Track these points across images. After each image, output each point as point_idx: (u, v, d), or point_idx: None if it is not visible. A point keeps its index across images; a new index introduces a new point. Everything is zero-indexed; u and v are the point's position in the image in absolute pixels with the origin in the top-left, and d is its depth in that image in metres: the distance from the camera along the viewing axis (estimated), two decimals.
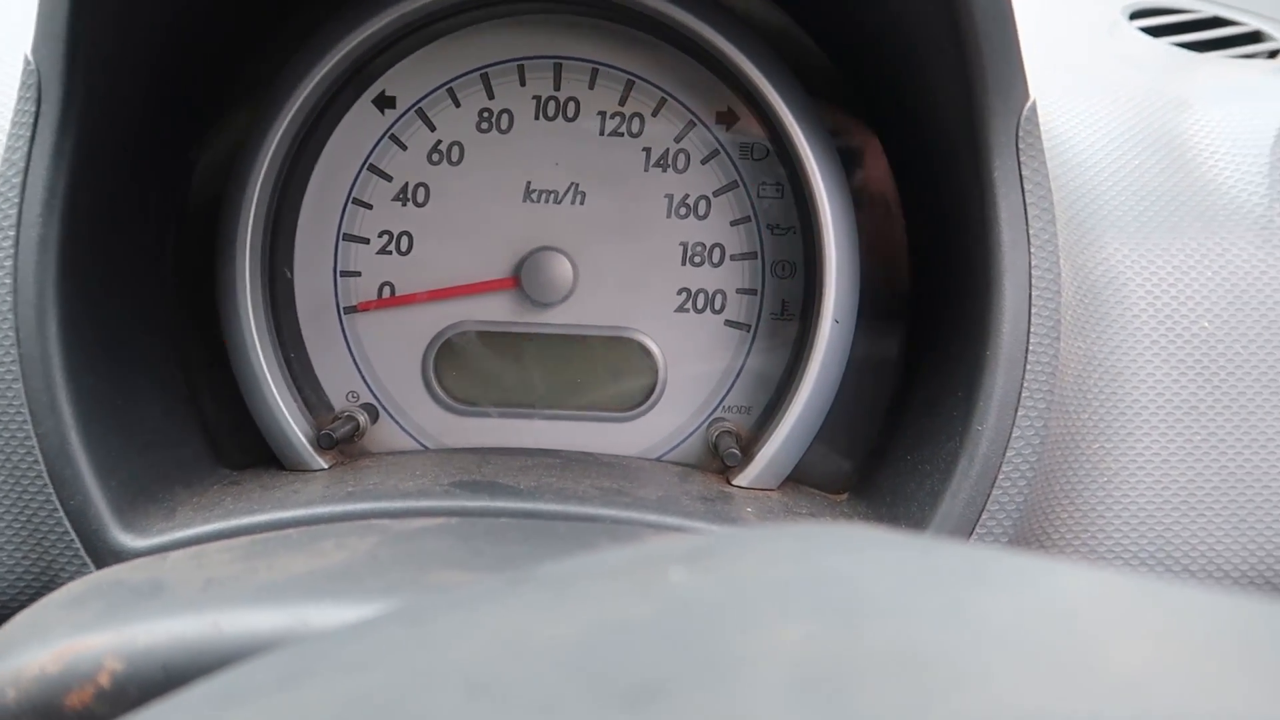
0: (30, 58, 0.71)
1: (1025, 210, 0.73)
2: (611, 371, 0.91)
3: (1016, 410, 0.72)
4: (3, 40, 0.89)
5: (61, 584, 0.72)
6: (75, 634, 0.41)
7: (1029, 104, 0.72)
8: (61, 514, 0.70)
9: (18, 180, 0.71)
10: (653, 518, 0.70)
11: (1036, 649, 0.26)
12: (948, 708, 0.24)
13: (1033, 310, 0.73)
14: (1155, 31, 1.14)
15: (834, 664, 0.25)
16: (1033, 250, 0.73)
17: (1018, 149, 0.72)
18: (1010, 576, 0.30)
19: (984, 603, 0.28)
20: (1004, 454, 0.72)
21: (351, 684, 0.31)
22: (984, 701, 0.24)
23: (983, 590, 0.29)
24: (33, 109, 0.71)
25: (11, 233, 0.71)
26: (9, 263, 0.71)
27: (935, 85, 0.76)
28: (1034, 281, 0.73)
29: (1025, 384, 0.72)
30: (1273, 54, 1.15)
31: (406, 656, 0.31)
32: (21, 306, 0.71)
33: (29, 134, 0.72)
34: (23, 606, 0.75)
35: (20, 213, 0.71)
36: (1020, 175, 0.73)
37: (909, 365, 0.88)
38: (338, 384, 0.90)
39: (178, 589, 0.45)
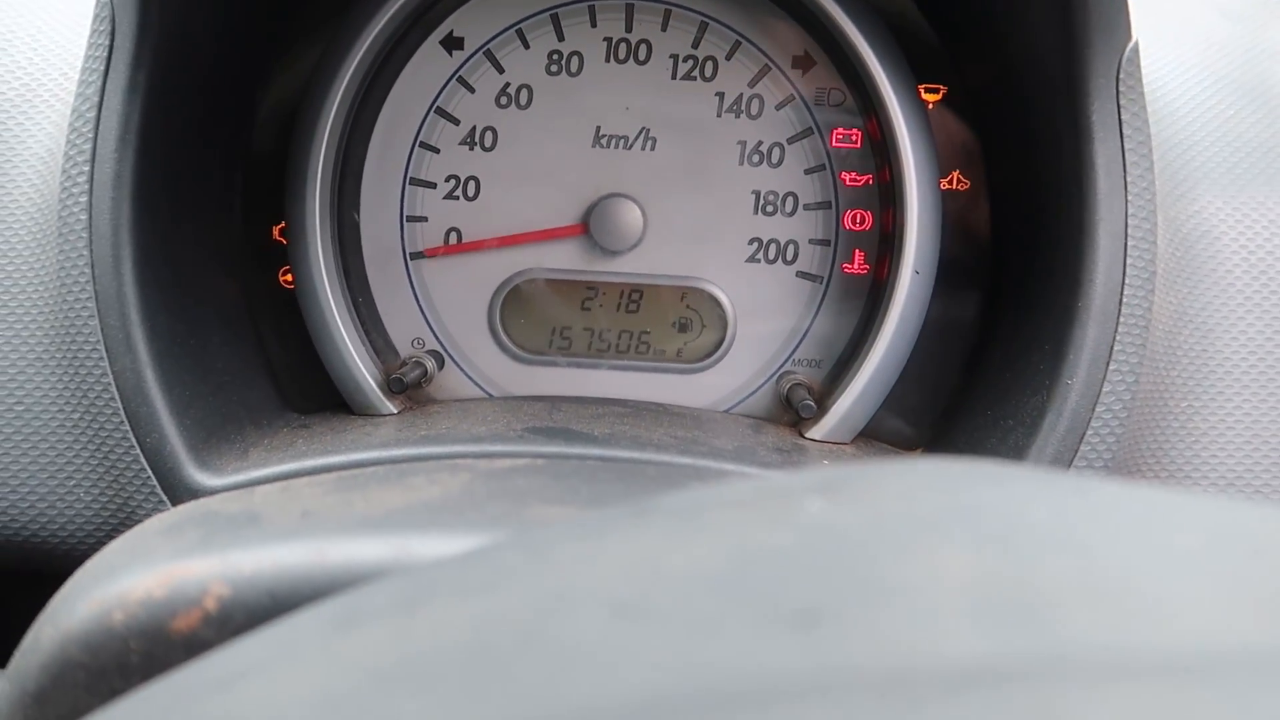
0: None
1: (1124, 158, 0.70)
2: (680, 322, 0.89)
3: (1108, 364, 0.70)
4: None
5: (138, 523, 0.72)
6: (179, 558, 0.41)
7: (1131, 44, 0.69)
8: (138, 451, 0.70)
9: (92, 115, 0.71)
10: (730, 466, 0.68)
11: (1227, 581, 0.24)
12: (1143, 637, 0.22)
13: (1128, 261, 0.70)
14: None
15: (1011, 592, 0.24)
16: (1130, 199, 0.70)
17: (1118, 91, 0.69)
18: (1181, 510, 0.28)
19: (1159, 536, 0.27)
20: (1093, 409, 0.70)
21: (481, 606, 0.30)
22: (1183, 632, 0.22)
23: (1154, 523, 0.27)
24: (106, 43, 0.70)
25: (86, 168, 0.71)
26: (84, 198, 0.71)
27: (1032, 20, 0.73)
28: (1130, 231, 0.70)
29: (1118, 337, 0.70)
30: None
31: (537, 580, 0.30)
32: (97, 242, 0.70)
33: (103, 68, 0.71)
34: (98, 545, 0.76)
35: (95, 148, 0.71)
36: (1119, 120, 0.70)
37: (987, 318, 0.86)
38: (404, 330, 0.89)
39: (275, 518, 0.44)
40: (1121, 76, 0.69)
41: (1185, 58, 0.90)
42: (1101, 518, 0.28)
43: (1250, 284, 0.78)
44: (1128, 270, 0.70)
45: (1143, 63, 0.88)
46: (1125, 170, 0.70)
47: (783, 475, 0.35)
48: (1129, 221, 0.70)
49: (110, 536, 0.75)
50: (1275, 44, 0.93)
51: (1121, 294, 0.70)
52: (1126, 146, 0.70)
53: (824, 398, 0.84)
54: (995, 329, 0.84)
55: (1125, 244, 0.70)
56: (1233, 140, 0.84)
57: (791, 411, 0.83)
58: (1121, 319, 0.70)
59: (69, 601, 0.42)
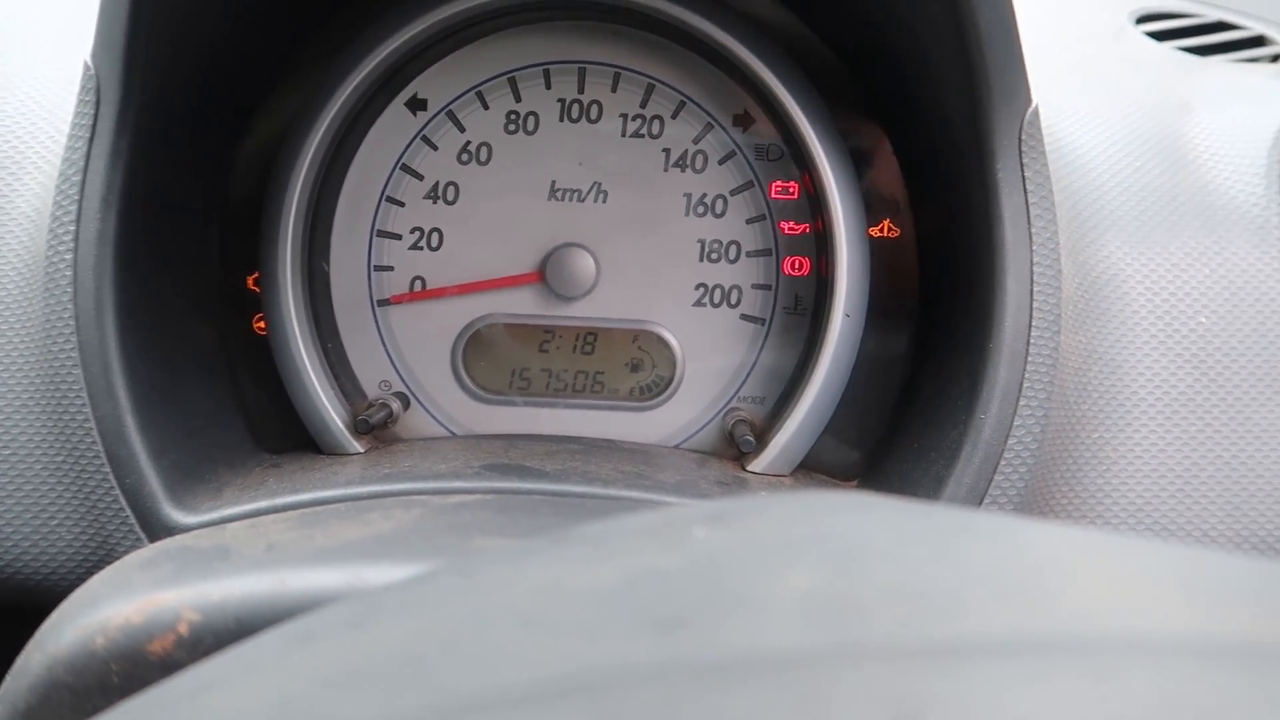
0: (90, 63, 0.76)
1: (1028, 211, 0.77)
2: (632, 363, 0.95)
3: (1018, 400, 0.76)
4: (56, 42, 0.94)
5: (118, 559, 0.77)
6: (154, 589, 0.46)
7: (1031, 108, 0.76)
8: (118, 492, 0.75)
9: (78, 179, 0.76)
10: (672, 500, 0.74)
11: (1009, 586, 0.30)
12: (933, 632, 0.28)
13: (1034, 305, 0.76)
14: (1161, 36, 1.17)
15: (835, 598, 0.29)
16: (1035, 249, 0.77)
17: (1020, 152, 0.76)
18: (994, 532, 0.34)
19: (968, 553, 0.32)
20: (1006, 442, 0.76)
21: (414, 623, 0.35)
22: (962, 626, 0.28)
23: (968, 544, 0.33)
24: (91, 111, 0.76)
25: (72, 227, 0.76)
26: (69, 255, 0.76)
27: (941, 89, 0.80)
28: (1035, 278, 0.77)
29: (1027, 375, 0.76)
30: (1275, 58, 1.18)
31: (460, 601, 0.35)
32: (81, 297, 0.76)
33: (88, 135, 0.76)
34: (79, 581, 0.80)
35: (80, 209, 0.76)
36: (1023, 177, 0.76)
37: (916, 358, 0.92)
38: (371, 373, 0.95)
39: (242, 552, 0.49)
40: (1024, 138, 0.76)
41: (1096, 111, 0.97)
42: (925, 537, 0.34)
43: (1155, 323, 0.85)
44: (1034, 314, 0.76)
45: (1057, 115, 0.96)
46: (1030, 223, 0.76)
47: (681, 507, 0.40)
48: (1034, 269, 0.76)
49: (91, 573, 0.79)
50: (1181, 98, 1.01)
51: (1029, 336, 0.76)
52: (1030, 201, 0.77)
53: (765, 433, 0.89)
54: (923, 367, 0.90)
55: (1031, 290, 0.76)
56: (1139, 189, 0.91)
57: (735, 447, 0.89)
58: (1029, 359, 0.76)
59: (55, 629, 0.47)
